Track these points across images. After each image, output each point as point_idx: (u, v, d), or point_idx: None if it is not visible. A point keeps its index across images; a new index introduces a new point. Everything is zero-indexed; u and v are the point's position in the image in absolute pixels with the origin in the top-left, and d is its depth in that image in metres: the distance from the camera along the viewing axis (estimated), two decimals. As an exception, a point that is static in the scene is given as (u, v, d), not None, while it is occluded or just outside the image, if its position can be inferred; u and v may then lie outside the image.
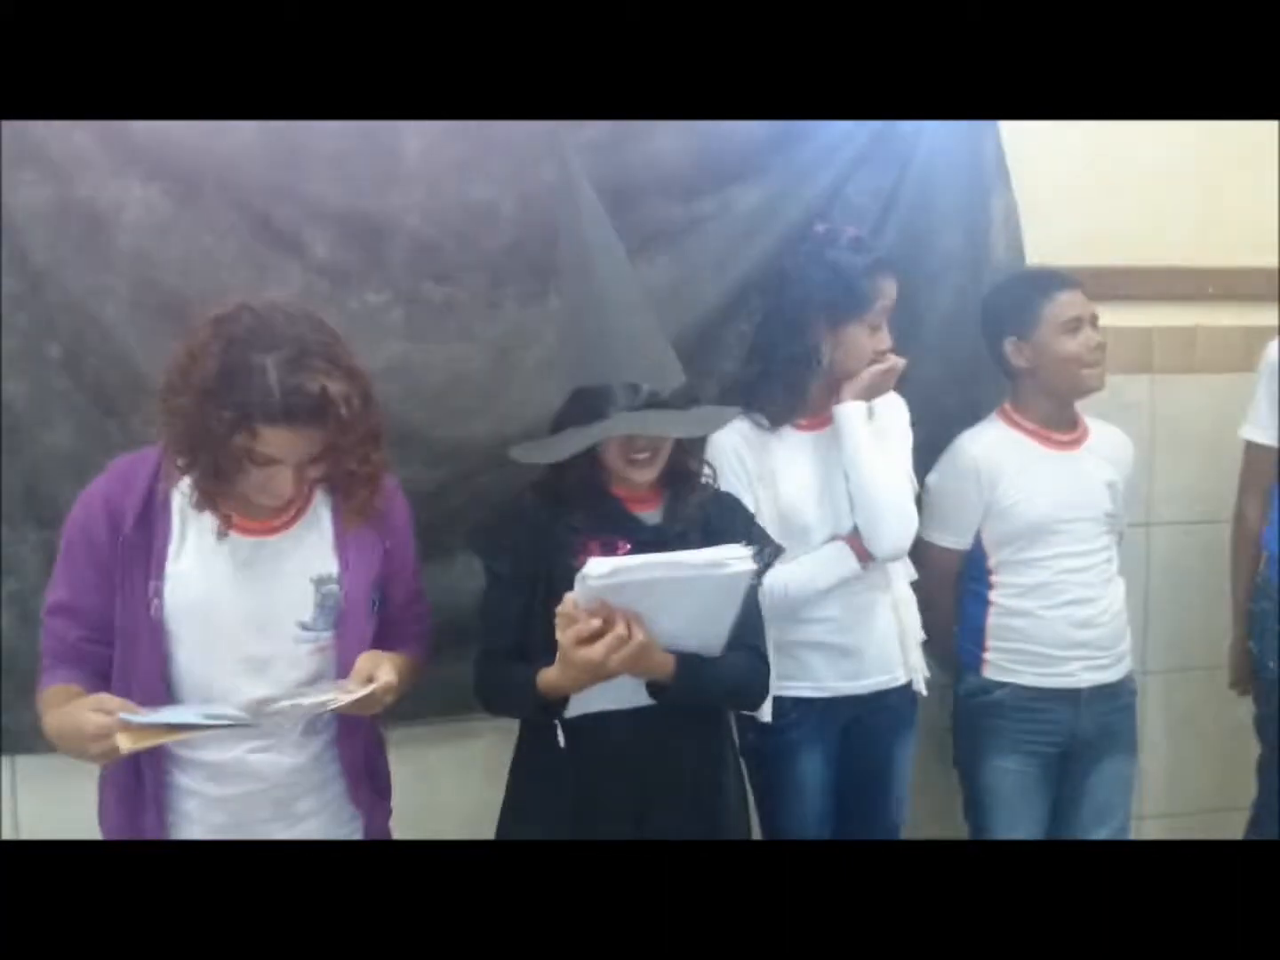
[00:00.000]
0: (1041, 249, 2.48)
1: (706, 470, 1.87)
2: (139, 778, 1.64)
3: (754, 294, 2.36)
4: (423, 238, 2.17)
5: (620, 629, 1.59)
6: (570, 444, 1.74)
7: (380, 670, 1.59)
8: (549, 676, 1.67)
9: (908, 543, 2.10)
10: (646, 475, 1.79)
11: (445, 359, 2.20)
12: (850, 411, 2.08)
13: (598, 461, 1.80)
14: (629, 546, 1.74)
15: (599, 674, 1.62)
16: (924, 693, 2.20)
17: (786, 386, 2.12)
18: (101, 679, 1.60)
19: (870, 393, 2.11)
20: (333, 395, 1.47)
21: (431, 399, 2.18)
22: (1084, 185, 2.54)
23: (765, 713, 2.06)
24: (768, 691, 1.88)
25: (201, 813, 1.66)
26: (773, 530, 1.99)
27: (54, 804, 2.13)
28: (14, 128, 1.99)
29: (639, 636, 1.61)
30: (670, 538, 1.76)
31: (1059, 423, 2.32)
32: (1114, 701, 2.33)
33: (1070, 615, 2.26)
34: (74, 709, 1.51)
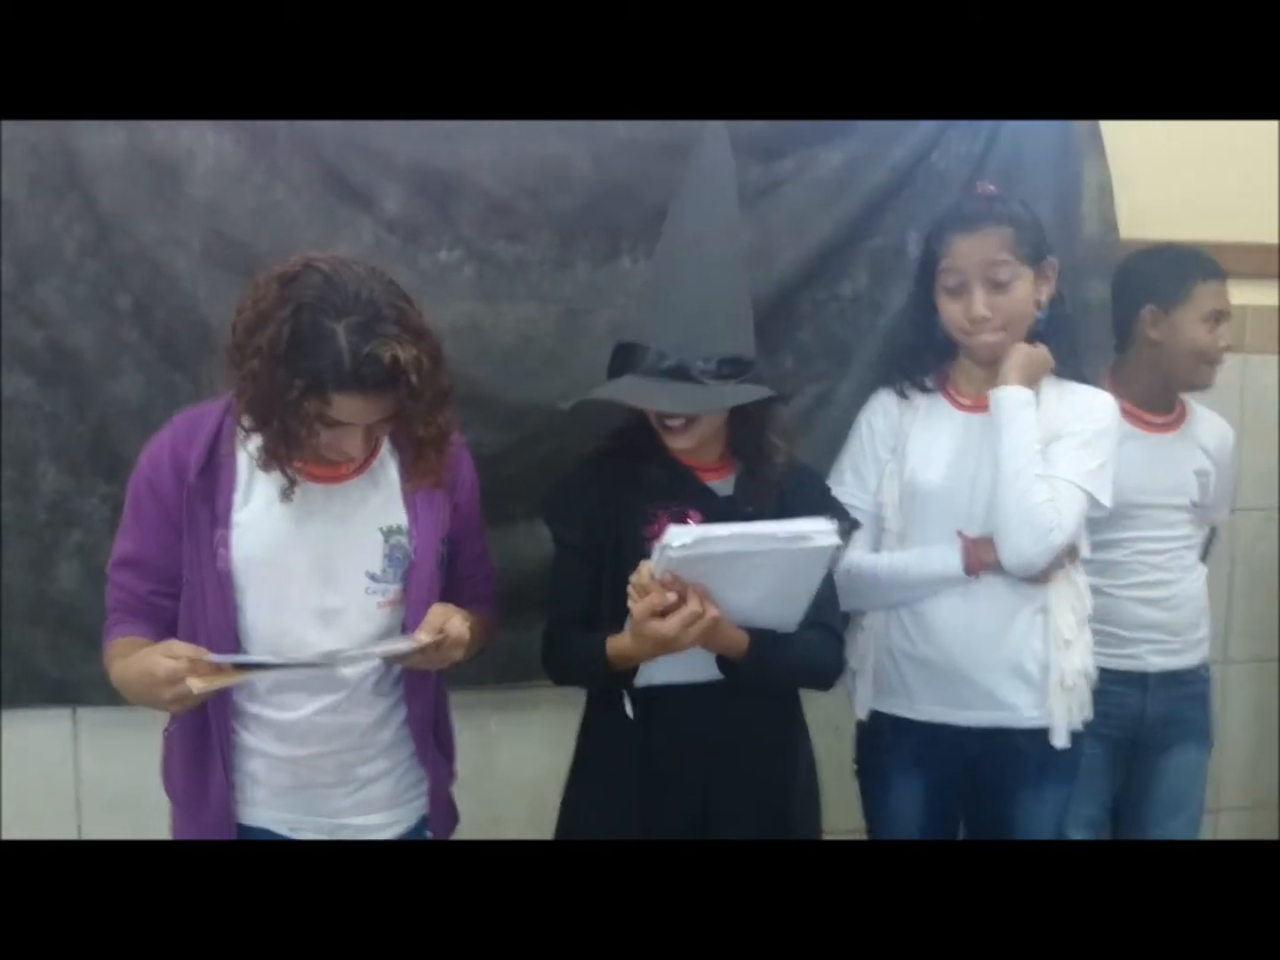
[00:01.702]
0: (1132, 222, 2.39)
1: (782, 443, 1.78)
2: (205, 736, 1.63)
3: (832, 262, 2.29)
4: (495, 194, 2.13)
5: (694, 605, 1.56)
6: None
7: (452, 622, 1.57)
8: (618, 645, 1.64)
9: (1036, 556, 1.83)
10: (681, 443, 1.73)
11: (514, 320, 2.16)
12: (1001, 397, 1.87)
13: None
14: (699, 517, 1.69)
15: (670, 648, 1.58)
16: (1061, 744, 1.91)
17: (911, 353, 2.01)
18: (169, 633, 1.59)
19: (1021, 376, 1.88)
20: (404, 362, 1.44)
21: (499, 361, 2.14)
22: (1175, 157, 2.44)
23: (861, 710, 1.99)
24: (841, 671, 1.82)
25: (266, 773, 1.65)
26: (895, 505, 1.92)
27: (118, 756, 2.15)
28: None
29: (712, 613, 1.57)
30: (742, 509, 1.71)
31: (1157, 405, 2.22)
32: (1184, 689, 2.25)
33: (1142, 595, 2.18)
34: (144, 654, 1.50)
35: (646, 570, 1.56)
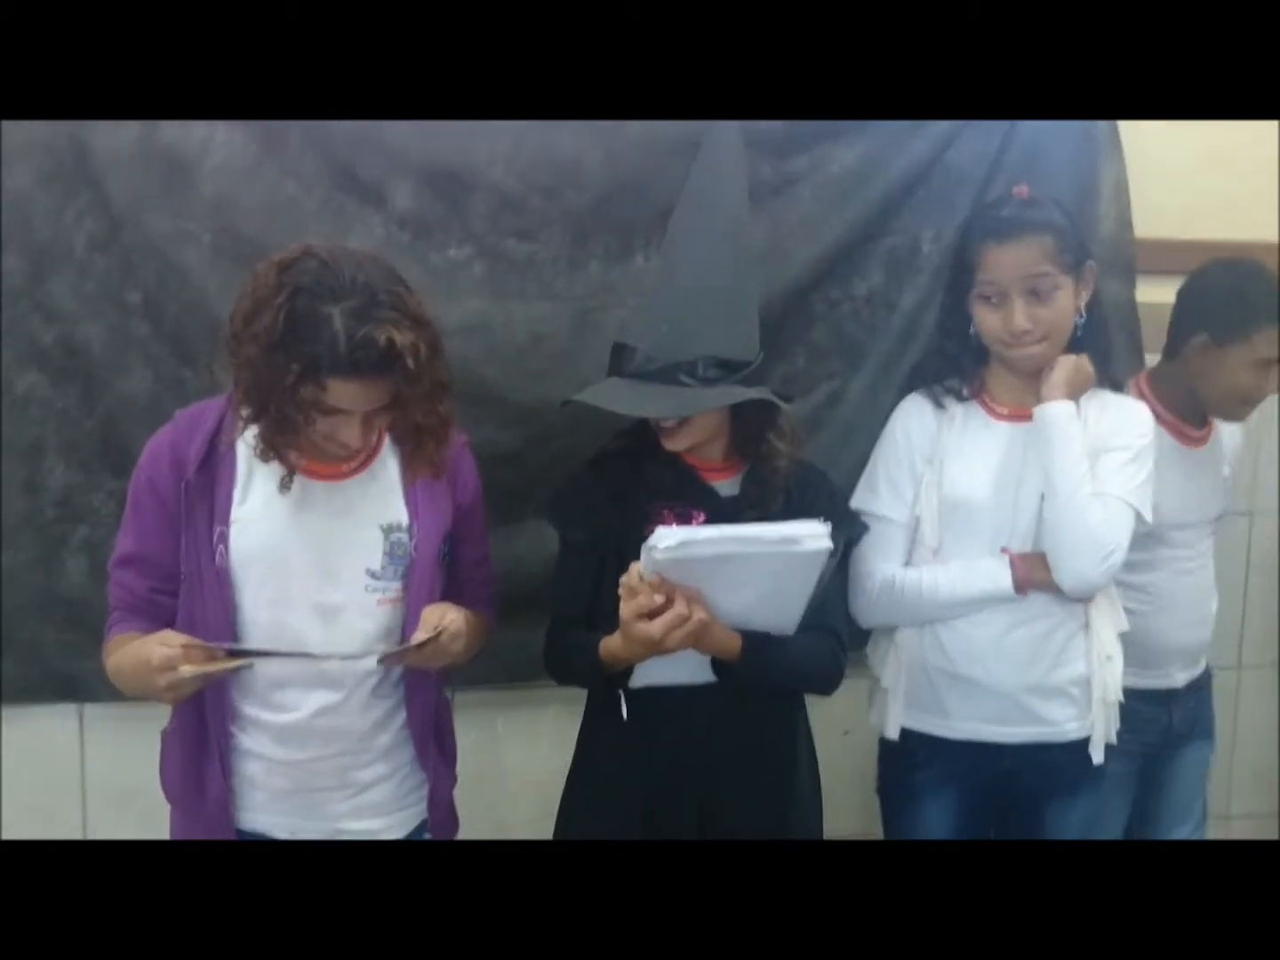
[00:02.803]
0: (1146, 222, 2.36)
1: (788, 444, 1.75)
2: (202, 738, 1.62)
3: (845, 261, 2.28)
4: (506, 191, 2.12)
5: (680, 607, 1.54)
6: (568, 399, 1.69)
7: (448, 617, 1.56)
8: (611, 646, 1.63)
9: (1098, 578, 1.79)
10: (676, 444, 1.71)
11: (525, 318, 2.14)
12: (1047, 414, 1.80)
13: None
14: (703, 517, 1.68)
15: (657, 650, 1.57)
16: (1099, 759, 1.88)
17: (947, 361, 1.93)
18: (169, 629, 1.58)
19: (1068, 390, 1.81)
20: (400, 346, 1.43)
21: (510, 359, 2.13)
22: (1190, 156, 2.40)
23: (892, 729, 1.94)
24: (842, 675, 1.77)
25: (265, 777, 1.64)
26: (932, 519, 1.87)
27: (124, 752, 2.14)
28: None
29: (699, 615, 1.55)
30: (745, 510, 1.70)
31: (1194, 418, 2.13)
32: (1199, 693, 2.23)
33: (1178, 619, 2.11)
34: (139, 643, 1.51)
35: (636, 571, 1.55)
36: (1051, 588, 1.83)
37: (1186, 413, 2.12)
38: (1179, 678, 2.16)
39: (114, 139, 2.00)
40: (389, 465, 1.65)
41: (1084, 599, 1.84)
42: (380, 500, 1.64)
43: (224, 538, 1.57)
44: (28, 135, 1.99)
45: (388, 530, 1.62)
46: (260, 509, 1.59)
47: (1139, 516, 1.82)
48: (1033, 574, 1.83)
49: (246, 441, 1.56)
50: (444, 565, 1.69)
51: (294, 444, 1.52)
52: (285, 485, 1.56)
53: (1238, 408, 2.11)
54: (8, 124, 1.97)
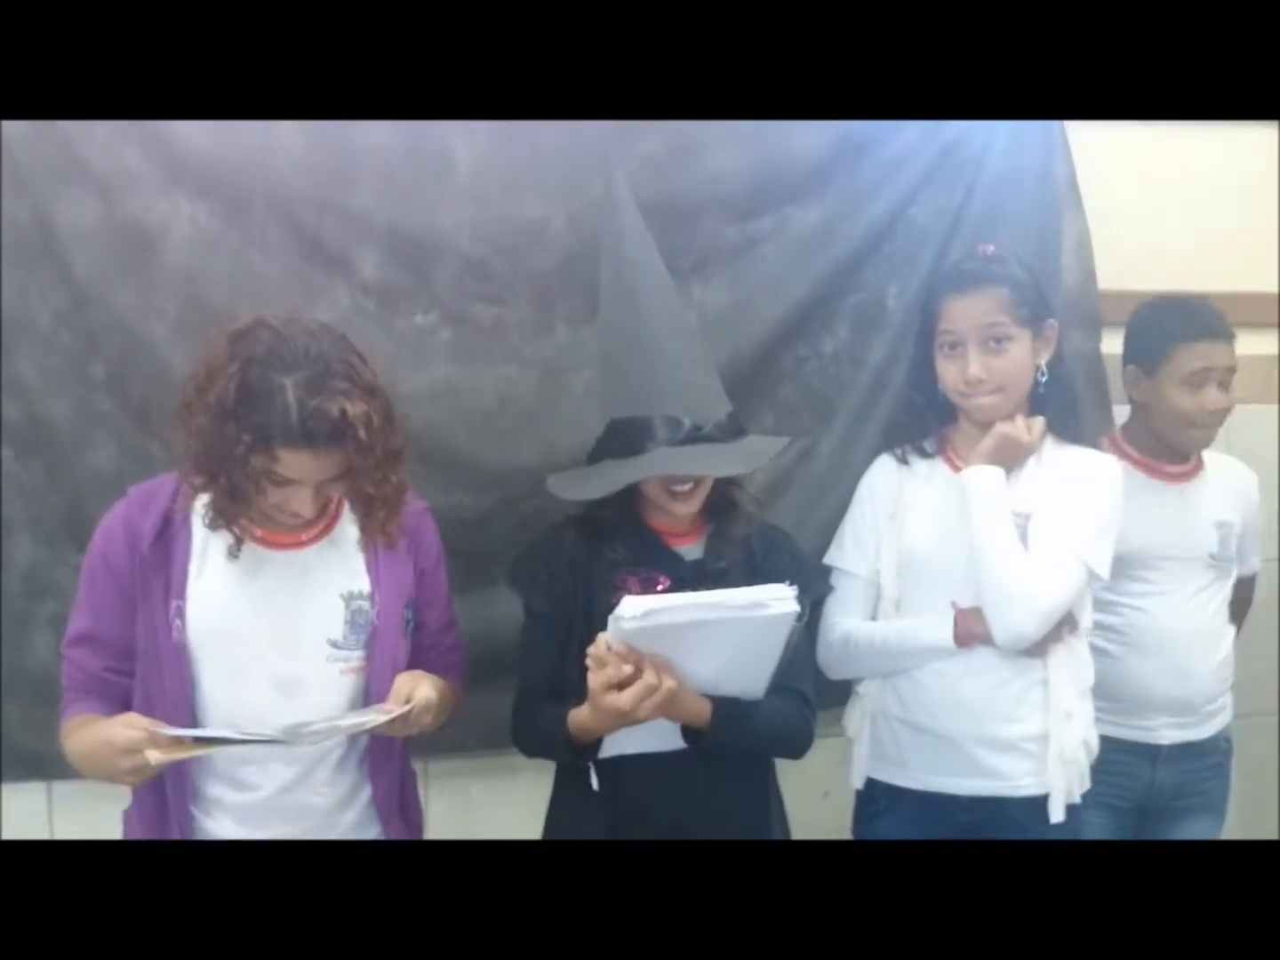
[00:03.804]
0: (1110, 273, 2.38)
1: (751, 506, 1.77)
2: (164, 820, 1.60)
3: (812, 318, 2.29)
4: (471, 256, 2.13)
5: (650, 677, 1.53)
6: (608, 481, 1.67)
7: (419, 689, 1.54)
8: (579, 718, 1.61)
9: (1031, 630, 1.81)
10: (689, 508, 1.72)
11: (493, 381, 2.15)
12: (970, 479, 1.84)
13: (637, 492, 1.73)
14: (668, 583, 1.67)
15: (628, 720, 1.56)
16: (1058, 819, 1.86)
17: (914, 417, 1.98)
18: (124, 710, 1.56)
19: (995, 458, 1.85)
20: (352, 417, 1.44)
21: (478, 423, 2.13)
22: (1153, 203, 2.43)
23: (857, 778, 1.96)
24: (811, 738, 1.77)
25: None
26: (892, 571, 1.89)
27: (94, 831, 2.09)
28: (59, 141, 1.97)
29: (668, 684, 1.54)
30: (711, 574, 1.70)
31: (1168, 456, 2.16)
32: (1200, 760, 2.16)
33: (1159, 664, 2.10)
34: (103, 725, 1.48)
35: (604, 642, 1.53)
36: (992, 642, 1.83)
37: (1158, 452, 2.14)
38: (1164, 734, 2.12)
39: (77, 213, 2.00)
40: (348, 532, 1.64)
41: (1028, 652, 1.84)
42: (340, 568, 1.62)
43: (180, 612, 1.55)
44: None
45: (349, 598, 1.61)
46: (217, 581, 1.58)
47: (1091, 572, 1.84)
48: (973, 628, 1.84)
49: (198, 512, 1.56)
50: (407, 632, 1.67)
51: (245, 513, 1.52)
52: (234, 553, 1.56)
53: (1187, 433, 2.11)
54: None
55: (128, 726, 1.45)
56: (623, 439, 1.68)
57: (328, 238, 2.10)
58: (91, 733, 1.50)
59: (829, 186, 2.26)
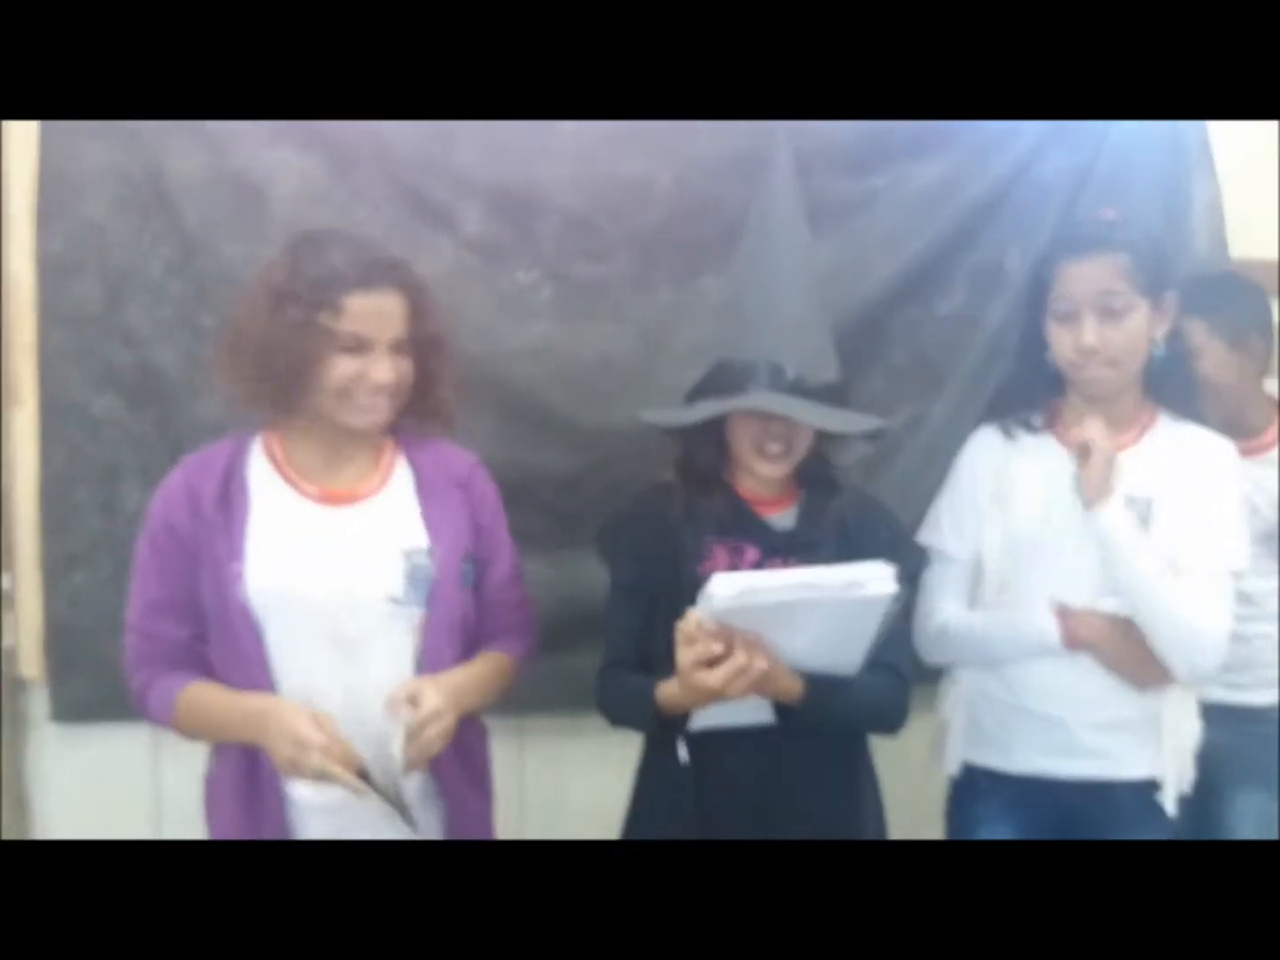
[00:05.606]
0: (1245, 242, 2.25)
1: (841, 477, 1.71)
2: (255, 789, 1.58)
3: (926, 279, 2.21)
4: (574, 214, 2.11)
5: (740, 658, 1.48)
6: (702, 411, 1.62)
7: (424, 694, 1.49)
8: (668, 691, 1.58)
9: (1215, 665, 1.74)
10: (777, 470, 1.65)
11: (593, 341, 2.13)
12: (1101, 522, 1.72)
13: (727, 456, 1.68)
14: (756, 553, 1.62)
15: (717, 698, 1.52)
16: (1169, 810, 1.79)
17: (1018, 388, 1.89)
18: (208, 678, 1.57)
19: (1105, 487, 1.71)
20: (404, 265, 1.54)
21: (576, 382, 2.11)
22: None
23: (951, 764, 1.89)
24: (906, 714, 1.71)
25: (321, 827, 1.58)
26: (996, 556, 1.81)
27: (199, 772, 2.15)
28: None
29: (759, 665, 1.49)
30: (801, 545, 1.64)
31: (1240, 430, 2.00)
32: (1250, 726, 2.06)
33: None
34: (278, 703, 1.49)
35: (694, 619, 1.49)
36: (1102, 648, 1.75)
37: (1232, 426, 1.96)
38: (1213, 692, 1.96)
39: (187, 165, 2.04)
40: (404, 485, 1.63)
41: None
42: (397, 522, 1.61)
43: (239, 574, 1.55)
44: (104, 161, 2.03)
45: (408, 554, 1.58)
46: (275, 542, 1.57)
47: (1235, 573, 1.76)
48: (1083, 633, 1.76)
49: (255, 473, 1.57)
50: (466, 585, 1.63)
51: (307, 401, 1.54)
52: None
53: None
54: (84, 150, 2.02)
55: (315, 726, 1.44)
56: (725, 379, 1.64)
57: (432, 192, 2.10)
58: (268, 706, 1.49)
59: (949, 142, 2.17)
